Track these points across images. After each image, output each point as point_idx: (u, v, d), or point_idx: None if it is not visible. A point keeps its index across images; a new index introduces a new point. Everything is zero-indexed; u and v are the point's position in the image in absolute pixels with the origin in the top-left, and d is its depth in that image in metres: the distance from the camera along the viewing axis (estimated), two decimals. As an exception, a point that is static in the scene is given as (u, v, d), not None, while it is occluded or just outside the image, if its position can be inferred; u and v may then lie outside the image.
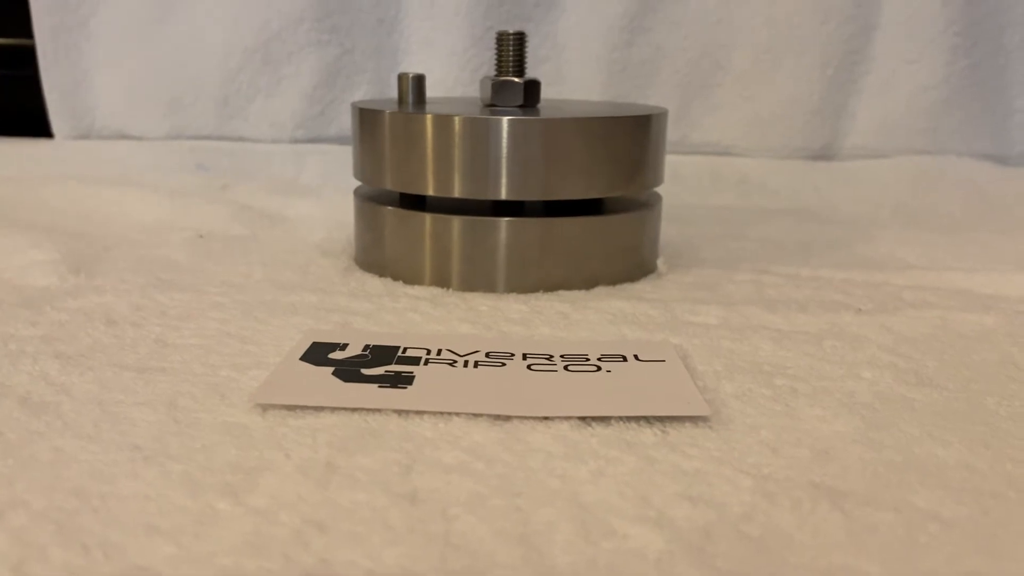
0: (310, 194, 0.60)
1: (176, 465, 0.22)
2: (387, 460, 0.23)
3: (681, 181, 0.63)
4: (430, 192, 0.39)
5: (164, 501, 0.20)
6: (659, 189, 0.44)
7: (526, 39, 0.43)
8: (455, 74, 0.66)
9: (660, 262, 0.44)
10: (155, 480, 0.21)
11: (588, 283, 0.40)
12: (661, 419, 0.25)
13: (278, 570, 0.18)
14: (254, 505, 0.20)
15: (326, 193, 0.60)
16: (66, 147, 0.67)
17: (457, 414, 0.25)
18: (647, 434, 0.24)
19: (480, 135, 0.38)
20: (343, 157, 0.65)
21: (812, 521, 0.20)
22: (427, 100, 0.44)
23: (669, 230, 0.49)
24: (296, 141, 0.67)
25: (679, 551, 0.19)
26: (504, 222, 0.39)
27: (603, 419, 0.25)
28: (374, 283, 0.40)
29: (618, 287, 0.40)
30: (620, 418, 0.25)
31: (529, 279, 0.39)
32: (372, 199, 0.42)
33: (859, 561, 0.19)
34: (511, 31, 0.43)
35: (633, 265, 0.41)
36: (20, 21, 0.70)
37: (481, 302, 0.37)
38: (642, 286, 0.40)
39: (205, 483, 0.21)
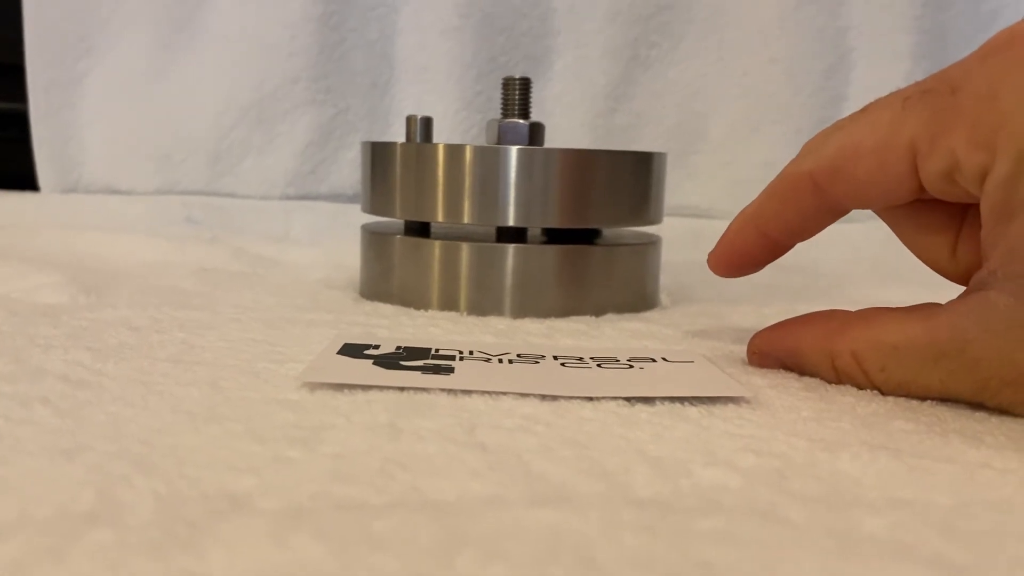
0: (302, 244, 0.61)
1: (236, 425, 0.22)
2: (448, 424, 0.23)
3: (663, 240, 0.65)
4: (440, 219, 0.40)
5: (233, 449, 0.20)
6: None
7: (531, 84, 0.45)
8: (446, 136, 0.68)
9: (664, 296, 0.45)
10: (219, 435, 0.21)
11: (597, 311, 0.40)
12: (702, 400, 0.26)
13: (370, 496, 0.18)
14: (327, 452, 0.20)
15: (318, 243, 0.60)
16: (53, 200, 0.67)
17: (504, 393, 0.25)
18: (692, 411, 0.25)
19: (490, 164, 0.39)
20: (333, 213, 0.66)
21: (875, 465, 0.21)
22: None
23: (661, 276, 0.50)
24: (286, 198, 0.68)
25: (758, 484, 0.19)
26: (512, 248, 0.39)
27: (646, 400, 0.26)
28: (386, 308, 0.40)
29: (626, 315, 0.41)
30: (663, 399, 0.26)
31: (539, 305, 0.40)
32: (379, 231, 0.43)
33: (922, 495, 0.19)
34: (517, 76, 0.45)
35: (639, 296, 0.42)
36: (7, 86, 0.70)
37: (496, 323, 0.38)
38: (650, 315, 0.41)
39: (271, 437, 0.21)
